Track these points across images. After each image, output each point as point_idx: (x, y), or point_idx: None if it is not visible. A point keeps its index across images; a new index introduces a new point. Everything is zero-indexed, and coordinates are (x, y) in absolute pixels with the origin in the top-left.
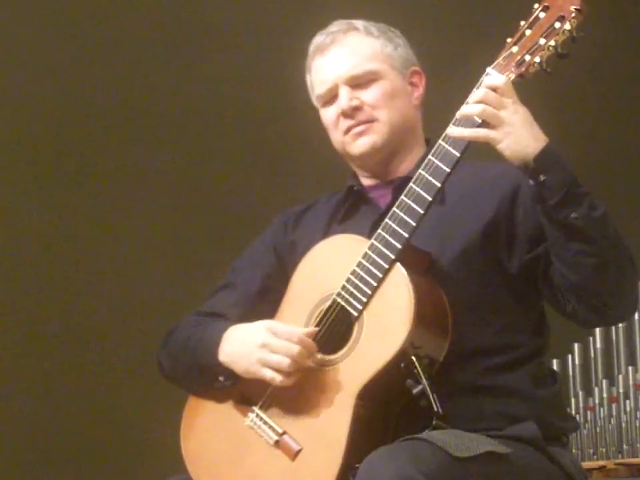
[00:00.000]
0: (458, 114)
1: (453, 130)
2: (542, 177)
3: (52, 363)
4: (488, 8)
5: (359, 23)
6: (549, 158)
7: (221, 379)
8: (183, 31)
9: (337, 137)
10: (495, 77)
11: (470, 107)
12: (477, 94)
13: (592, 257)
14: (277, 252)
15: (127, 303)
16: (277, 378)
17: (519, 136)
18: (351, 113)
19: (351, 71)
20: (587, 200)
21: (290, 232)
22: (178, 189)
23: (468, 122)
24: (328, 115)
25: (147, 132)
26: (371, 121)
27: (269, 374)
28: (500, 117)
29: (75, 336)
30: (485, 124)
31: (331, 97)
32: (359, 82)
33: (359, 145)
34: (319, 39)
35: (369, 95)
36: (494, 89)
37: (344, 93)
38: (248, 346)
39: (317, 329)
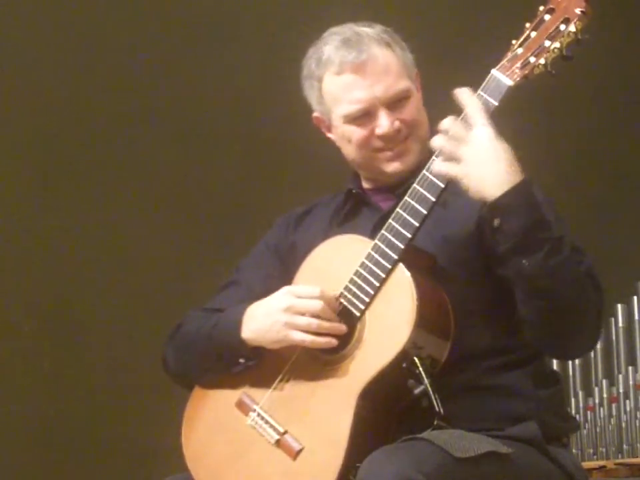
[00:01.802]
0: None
1: (435, 166)
2: (496, 222)
3: (53, 362)
4: (493, 9)
5: (372, 32)
6: (508, 204)
7: (241, 360)
8: (186, 32)
9: (362, 153)
10: (469, 100)
11: (434, 140)
12: (442, 123)
13: (544, 301)
14: (278, 253)
15: (129, 302)
16: (307, 338)
17: (478, 175)
18: (393, 135)
19: (389, 93)
20: (546, 247)
21: (291, 233)
22: (181, 186)
23: None
24: (357, 132)
25: (151, 130)
26: (407, 139)
27: (298, 336)
28: (457, 153)
29: (76, 335)
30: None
31: (362, 116)
32: (394, 102)
33: (394, 166)
34: (340, 52)
35: (406, 114)
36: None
37: (384, 116)
38: (273, 315)
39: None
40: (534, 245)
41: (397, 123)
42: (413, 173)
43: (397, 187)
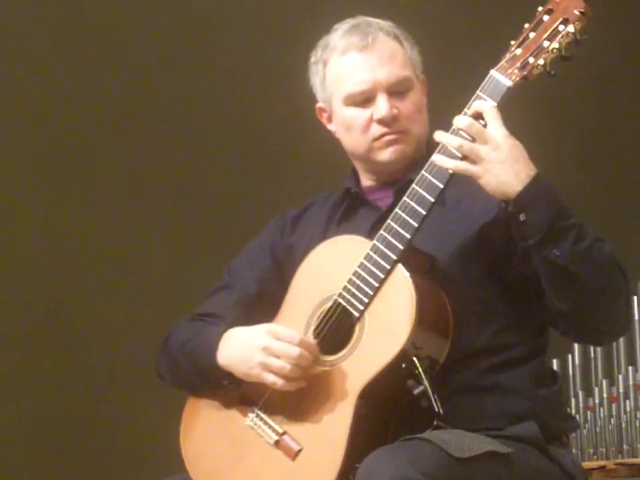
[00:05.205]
0: (437, 137)
1: (437, 158)
2: (522, 217)
3: (52, 362)
4: (492, 10)
5: (384, 23)
6: (530, 197)
7: (224, 382)
8: (183, 31)
9: (361, 140)
10: (482, 102)
11: (450, 139)
12: (461, 121)
13: (578, 289)
14: (274, 255)
15: (127, 302)
16: (279, 382)
17: (499, 174)
18: (389, 122)
19: (391, 78)
20: (572, 233)
21: (287, 235)
22: (178, 187)
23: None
24: (357, 117)
25: (149, 128)
26: (403, 132)
27: (270, 378)
28: (478, 152)
29: (75, 335)
30: (465, 157)
31: (363, 99)
32: (395, 90)
33: (389, 153)
34: (347, 37)
35: (404, 106)
36: (479, 116)
37: (384, 100)
38: (248, 349)
39: (315, 341)
40: (561, 234)
41: (395, 111)
42: (409, 170)
43: (394, 183)
